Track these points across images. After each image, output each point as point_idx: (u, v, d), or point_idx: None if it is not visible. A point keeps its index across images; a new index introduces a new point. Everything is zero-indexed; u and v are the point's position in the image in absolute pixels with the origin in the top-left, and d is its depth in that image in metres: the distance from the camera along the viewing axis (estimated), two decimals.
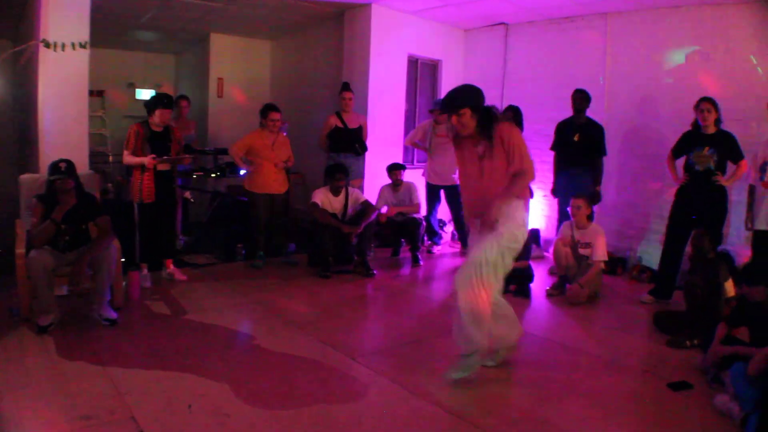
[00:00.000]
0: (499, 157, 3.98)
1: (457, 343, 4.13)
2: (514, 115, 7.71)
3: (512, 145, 3.94)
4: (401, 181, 7.80)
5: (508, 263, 4.04)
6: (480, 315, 3.93)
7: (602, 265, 6.32)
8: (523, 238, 4.09)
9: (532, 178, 4.06)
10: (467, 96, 4.03)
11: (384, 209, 7.79)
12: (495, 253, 3.92)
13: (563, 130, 7.41)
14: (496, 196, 3.94)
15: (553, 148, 7.56)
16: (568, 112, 7.56)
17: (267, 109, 7.13)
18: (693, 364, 4.44)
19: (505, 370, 4.39)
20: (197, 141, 8.63)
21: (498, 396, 3.94)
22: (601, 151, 7.22)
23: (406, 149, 9.30)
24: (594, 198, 7.05)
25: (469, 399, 3.86)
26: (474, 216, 4.16)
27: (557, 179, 7.54)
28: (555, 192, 7.63)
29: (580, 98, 7.23)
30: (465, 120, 3.97)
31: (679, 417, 3.70)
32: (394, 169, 7.78)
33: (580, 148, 7.17)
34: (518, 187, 3.97)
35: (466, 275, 3.96)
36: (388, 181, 7.89)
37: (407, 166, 8.44)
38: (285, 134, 7.49)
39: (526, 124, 7.86)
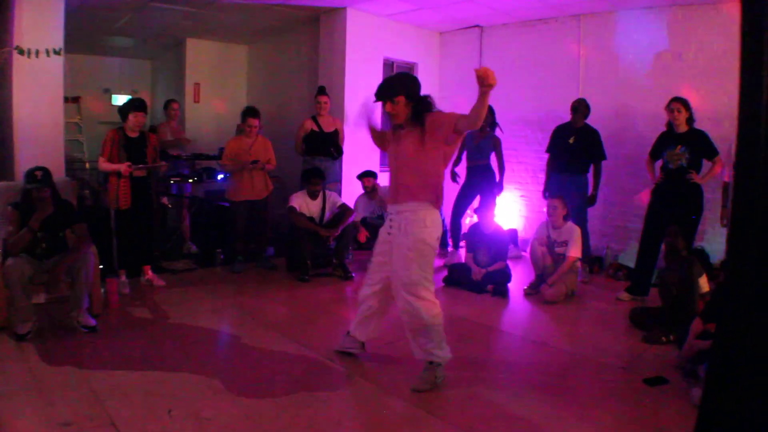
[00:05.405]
0: (416, 147, 3.91)
1: (414, 354, 4.09)
2: (488, 113, 7.73)
3: (447, 116, 3.88)
4: (375, 186, 7.82)
5: (430, 262, 4.00)
6: (429, 325, 3.92)
7: (578, 263, 6.39)
8: (436, 235, 3.98)
9: (476, 125, 3.82)
10: (402, 83, 3.99)
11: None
12: (416, 264, 3.88)
13: (559, 133, 7.34)
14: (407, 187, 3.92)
15: (548, 150, 7.50)
16: (542, 112, 7.62)
17: (245, 114, 7.16)
18: (669, 360, 4.50)
19: (482, 368, 4.45)
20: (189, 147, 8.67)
21: (474, 394, 3.95)
22: (601, 155, 7.13)
23: (383, 152, 9.32)
24: (590, 201, 7.13)
25: (446, 397, 3.89)
26: (389, 201, 4.12)
27: (549, 181, 7.48)
28: (547, 193, 7.44)
29: (584, 113, 7.18)
30: (399, 108, 3.93)
31: (656, 411, 3.76)
32: (364, 177, 7.79)
33: (574, 151, 7.12)
34: (476, 109, 3.66)
35: (403, 296, 3.93)
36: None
37: (385, 168, 8.46)
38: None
39: (500, 125, 7.91)
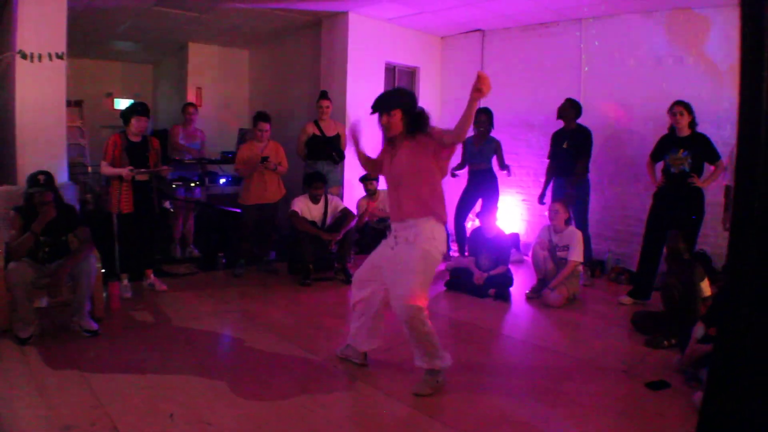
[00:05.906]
0: (409, 162, 3.93)
1: (416, 363, 4.05)
2: (487, 117, 7.72)
3: (434, 132, 3.88)
4: (376, 190, 7.84)
5: (432, 275, 4.01)
6: (427, 334, 3.90)
7: (579, 267, 6.39)
8: (442, 249, 3.99)
9: (461, 136, 3.75)
10: (399, 97, 4.00)
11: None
12: (421, 276, 3.86)
13: (556, 138, 7.34)
14: (410, 199, 3.92)
15: (549, 156, 7.49)
16: (543, 116, 7.60)
17: (257, 119, 7.16)
18: (671, 364, 4.49)
19: (484, 372, 4.44)
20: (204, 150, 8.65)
21: (476, 398, 3.95)
22: (586, 153, 7.08)
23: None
24: (568, 198, 7.01)
25: (447, 401, 3.88)
26: (392, 219, 4.11)
27: (547, 187, 7.46)
28: (542, 199, 7.48)
29: (571, 115, 7.14)
30: (394, 121, 3.92)
31: (658, 416, 3.75)
32: (367, 180, 7.79)
33: (569, 156, 7.10)
34: (461, 121, 3.62)
35: (402, 303, 3.88)
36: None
37: None
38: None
39: (502, 128, 7.91)
